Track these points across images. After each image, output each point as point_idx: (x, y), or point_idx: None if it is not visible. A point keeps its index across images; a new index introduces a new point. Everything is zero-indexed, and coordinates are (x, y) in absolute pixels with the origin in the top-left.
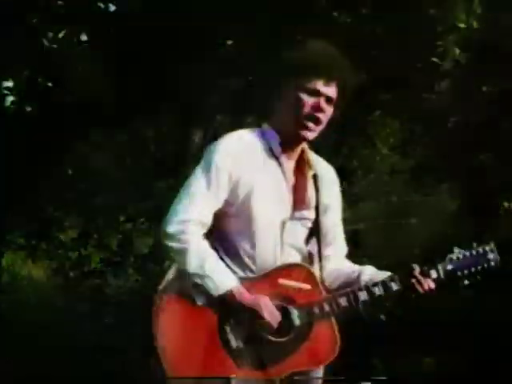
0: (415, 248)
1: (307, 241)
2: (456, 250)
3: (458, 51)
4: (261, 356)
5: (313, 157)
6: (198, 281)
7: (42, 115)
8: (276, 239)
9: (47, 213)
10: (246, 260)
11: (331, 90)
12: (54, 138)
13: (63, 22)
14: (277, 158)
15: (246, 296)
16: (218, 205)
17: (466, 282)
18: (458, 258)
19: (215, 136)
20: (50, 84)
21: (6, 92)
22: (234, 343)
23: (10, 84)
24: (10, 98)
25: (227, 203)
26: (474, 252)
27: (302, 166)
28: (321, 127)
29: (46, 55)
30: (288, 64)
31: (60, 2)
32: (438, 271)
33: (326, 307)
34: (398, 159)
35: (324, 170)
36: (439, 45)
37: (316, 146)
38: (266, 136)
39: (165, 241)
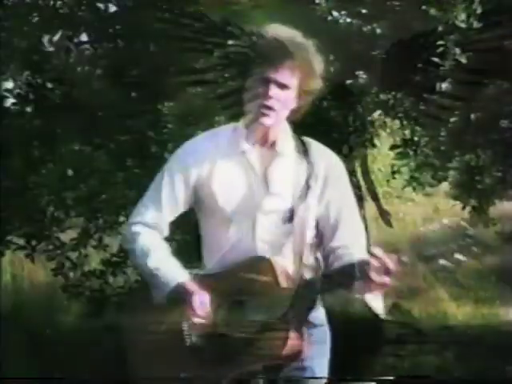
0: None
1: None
2: None
3: (458, 51)
4: (222, 352)
5: (300, 147)
6: (149, 279)
7: (42, 115)
8: (248, 234)
9: (47, 213)
10: (218, 257)
11: (281, 75)
12: (53, 138)
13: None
14: (243, 153)
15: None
16: (173, 208)
17: None
18: None
19: None
20: (49, 85)
21: (5, 93)
22: (193, 340)
23: (9, 85)
24: (10, 99)
25: (194, 203)
26: None
27: (273, 157)
28: (277, 113)
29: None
30: (244, 54)
31: (60, 3)
32: None
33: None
34: (398, 159)
35: (316, 159)
36: (439, 45)
37: None
38: (236, 132)
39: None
